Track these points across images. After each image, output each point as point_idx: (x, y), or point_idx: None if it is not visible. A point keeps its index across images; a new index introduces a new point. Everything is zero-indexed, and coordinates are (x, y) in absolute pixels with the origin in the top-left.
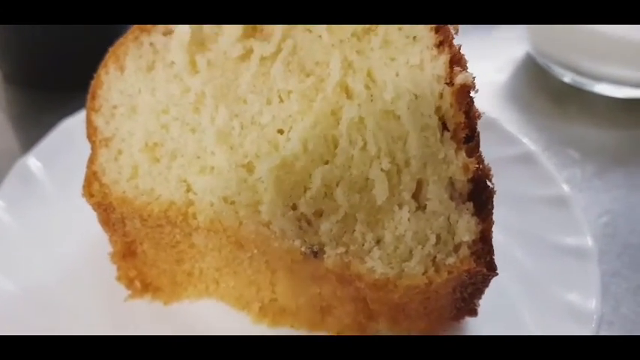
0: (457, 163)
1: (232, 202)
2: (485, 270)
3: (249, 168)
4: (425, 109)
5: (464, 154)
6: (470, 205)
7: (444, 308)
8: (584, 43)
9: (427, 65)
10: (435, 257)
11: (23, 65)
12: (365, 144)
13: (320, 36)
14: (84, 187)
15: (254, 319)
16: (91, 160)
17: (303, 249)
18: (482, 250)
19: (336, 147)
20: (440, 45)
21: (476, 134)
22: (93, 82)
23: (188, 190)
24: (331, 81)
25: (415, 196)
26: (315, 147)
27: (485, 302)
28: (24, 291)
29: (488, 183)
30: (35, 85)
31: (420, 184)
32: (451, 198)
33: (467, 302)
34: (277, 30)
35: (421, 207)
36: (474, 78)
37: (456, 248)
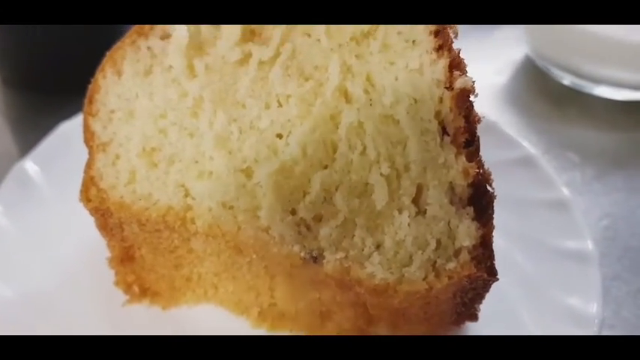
0: (457, 168)
1: (231, 207)
2: (485, 275)
3: (248, 173)
4: (424, 114)
5: (464, 159)
6: (470, 209)
7: (444, 313)
8: (584, 46)
9: (426, 69)
10: (436, 262)
11: (21, 68)
12: (364, 148)
13: (319, 40)
14: (81, 191)
15: (253, 324)
16: (89, 165)
17: (302, 254)
18: (483, 255)
19: (335, 152)
20: (439, 49)
21: (476, 138)
22: (90, 87)
23: (186, 195)
24: (330, 85)
25: (415, 200)
26: (314, 152)
27: (485, 307)
28: (21, 296)
29: (489, 187)
30: (33, 88)
31: (419, 189)
32: (451, 203)
33: (467, 307)
34: (276, 34)
35: (421, 212)
36: (473, 82)
37: (457, 253)
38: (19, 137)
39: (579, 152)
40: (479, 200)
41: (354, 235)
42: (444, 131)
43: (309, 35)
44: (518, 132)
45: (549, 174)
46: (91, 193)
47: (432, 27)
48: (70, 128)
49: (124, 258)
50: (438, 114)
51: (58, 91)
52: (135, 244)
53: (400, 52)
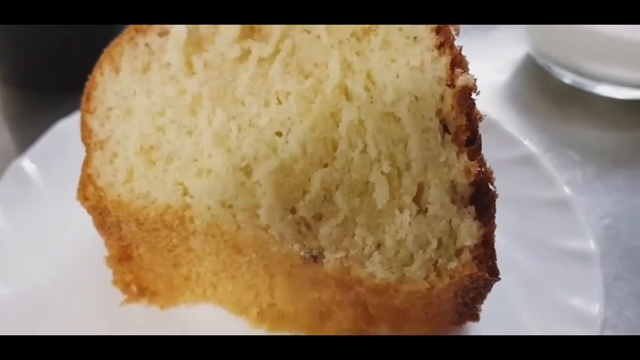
0: (459, 166)
1: (230, 206)
2: (487, 275)
3: (247, 171)
4: (426, 112)
5: (465, 157)
6: (472, 208)
7: (445, 313)
8: (585, 44)
9: (428, 67)
10: (437, 262)
11: (19, 66)
12: (365, 147)
13: (319, 37)
14: (78, 190)
15: (252, 324)
16: (86, 163)
17: (302, 253)
18: (485, 254)
19: (335, 150)
20: (441, 46)
21: (477, 137)
22: (87, 84)
23: (185, 193)
24: (330, 82)
25: (416, 199)
26: (314, 150)
27: (486, 307)
28: (18, 295)
29: (491, 186)
30: (31, 85)
31: (421, 188)
32: (453, 202)
33: (468, 307)
34: (275, 31)
35: (422, 211)
36: (475, 80)
37: (458, 253)
38: (16, 135)
39: (580, 151)
40: (480, 199)
41: (354, 234)
42: (445, 129)
43: (309, 32)
44: (518, 130)
45: (550, 173)
46: (89, 191)
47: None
48: (68, 126)
49: (122, 257)
50: (439, 112)
51: (55, 88)
52: (133, 243)
53: (401, 49)
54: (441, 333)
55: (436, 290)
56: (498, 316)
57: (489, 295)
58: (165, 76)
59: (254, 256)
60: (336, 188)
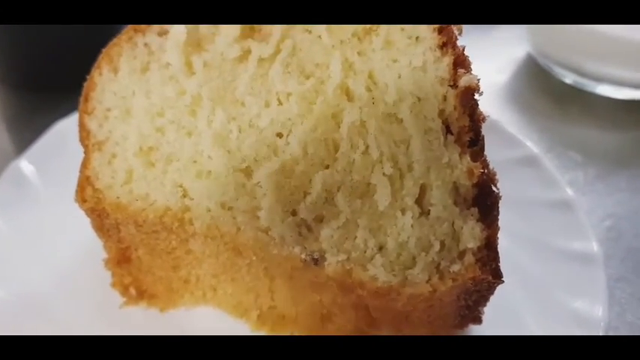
0: (461, 168)
1: (230, 208)
2: (490, 277)
3: (247, 172)
4: (428, 112)
5: (468, 159)
6: (475, 210)
7: (447, 316)
8: (586, 44)
9: (430, 67)
10: (439, 264)
11: (17, 66)
12: (366, 148)
13: (320, 36)
14: (77, 192)
15: (253, 326)
16: (84, 165)
17: (303, 256)
18: (488, 257)
19: (336, 151)
20: (443, 46)
21: (480, 138)
22: (86, 84)
23: (184, 195)
24: (332, 83)
25: (418, 201)
26: (316, 151)
27: (489, 309)
28: (15, 297)
29: (494, 188)
30: (29, 86)
31: (423, 189)
32: (455, 203)
33: (471, 310)
34: (276, 30)
35: (425, 213)
36: (478, 80)
37: (461, 255)
38: (14, 136)
39: (582, 151)
40: (484, 201)
41: (356, 237)
42: (447, 130)
43: (309, 32)
44: (519, 131)
45: (552, 173)
46: (87, 193)
47: None
48: (66, 127)
49: (121, 259)
50: (441, 112)
51: (54, 89)
52: (132, 245)
53: (403, 49)
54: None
55: (439, 293)
56: (501, 319)
57: (492, 298)
58: (164, 77)
59: (254, 258)
60: (338, 190)
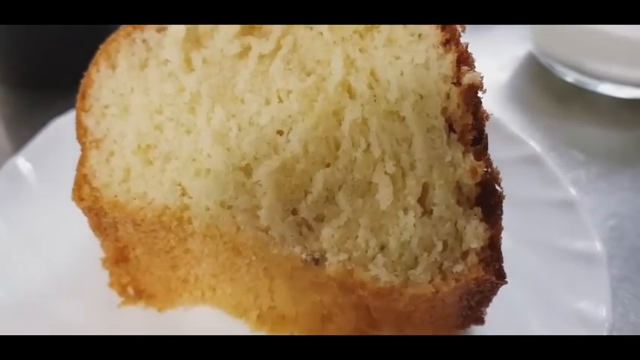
0: (464, 167)
1: (229, 207)
2: (494, 278)
3: (247, 171)
4: (431, 110)
5: (471, 157)
6: (478, 210)
7: (450, 317)
8: (588, 43)
9: (433, 64)
10: (442, 265)
11: (14, 64)
12: (368, 146)
13: (321, 33)
14: (74, 190)
15: (252, 326)
16: (81, 163)
17: (303, 256)
18: (491, 257)
19: (338, 149)
20: (446, 43)
21: (484, 136)
22: (83, 81)
23: (183, 193)
24: (333, 80)
25: (421, 200)
26: (316, 149)
27: (492, 310)
28: (11, 297)
29: (497, 187)
30: (27, 84)
31: (425, 188)
32: (458, 203)
33: (474, 310)
34: (277, 27)
35: (427, 212)
36: (482, 78)
37: (464, 255)
38: (11, 133)
39: (584, 150)
40: (487, 200)
41: (357, 236)
42: (450, 128)
43: (310, 28)
44: (521, 129)
45: (555, 172)
46: (84, 191)
47: None
48: (63, 124)
49: (119, 259)
50: (444, 110)
51: (51, 86)
52: (130, 244)
53: (406, 46)
54: None
55: (441, 294)
56: (504, 320)
57: (494, 298)
58: (163, 73)
59: (254, 258)
60: (339, 189)
